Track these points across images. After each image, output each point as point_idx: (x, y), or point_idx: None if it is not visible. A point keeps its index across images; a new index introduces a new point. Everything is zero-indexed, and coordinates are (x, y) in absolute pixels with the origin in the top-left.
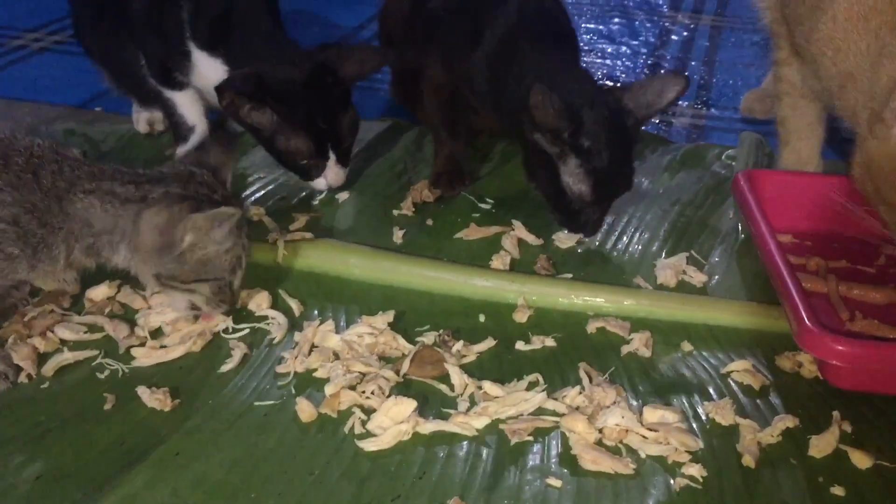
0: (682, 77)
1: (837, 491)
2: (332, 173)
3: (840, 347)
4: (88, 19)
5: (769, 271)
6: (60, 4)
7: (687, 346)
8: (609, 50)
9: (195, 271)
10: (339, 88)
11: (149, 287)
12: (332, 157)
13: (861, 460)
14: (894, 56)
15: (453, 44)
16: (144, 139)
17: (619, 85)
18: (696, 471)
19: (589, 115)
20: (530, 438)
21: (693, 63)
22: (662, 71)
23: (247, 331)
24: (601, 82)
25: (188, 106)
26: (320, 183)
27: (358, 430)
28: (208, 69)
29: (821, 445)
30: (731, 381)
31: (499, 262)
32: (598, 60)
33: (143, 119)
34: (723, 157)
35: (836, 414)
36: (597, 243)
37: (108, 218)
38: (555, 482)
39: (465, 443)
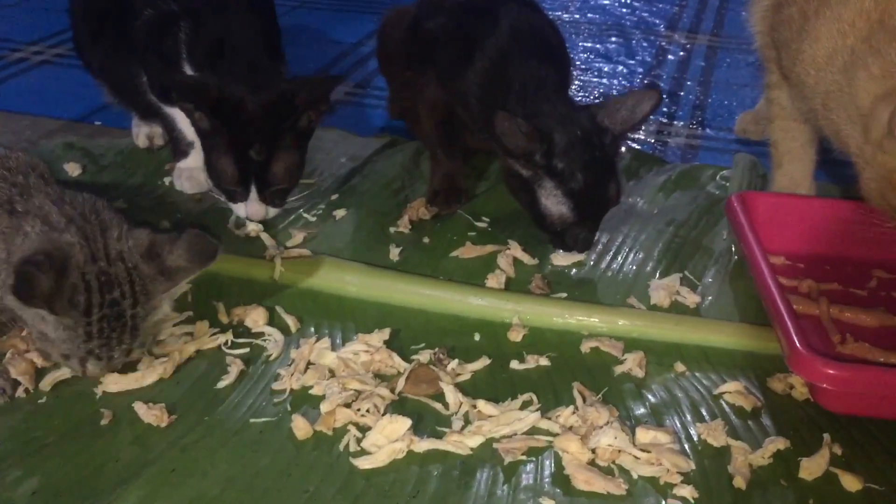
0: (656, 91)
1: None
2: (253, 208)
3: (830, 371)
4: (89, 35)
5: (761, 293)
6: (61, 17)
7: (680, 367)
8: (606, 69)
9: (34, 327)
10: (291, 123)
11: None
12: (254, 192)
13: (851, 483)
14: (868, 67)
15: (448, 63)
16: (144, 153)
17: (594, 103)
18: (687, 492)
19: (561, 137)
20: (524, 458)
21: (689, 83)
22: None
23: (245, 349)
24: (580, 101)
25: (188, 122)
26: (239, 209)
27: (353, 447)
28: None
29: (811, 468)
30: (723, 403)
31: (494, 280)
32: (595, 79)
33: (142, 133)
34: (717, 177)
35: (826, 437)
36: (591, 263)
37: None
38: (547, 502)
39: (460, 461)
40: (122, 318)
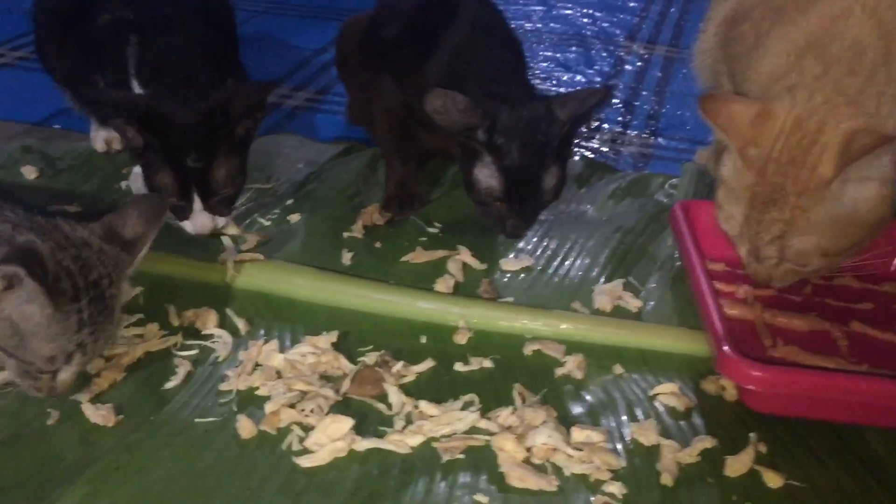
0: (605, 88)
1: None
2: (199, 220)
3: (755, 373)
4: (51, 40)
5: (696, 298)
6: (23, 20)
7: (618, 369)
8: (565, 78)
9: (4, 339)
10: (227, 131)
11: None
12: (198, 202)
13: (773, 480)
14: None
15: (405, 65)
16: (102, 157)
17: (552, 96)
18: (615, 489)
19: (506, 116)
20: (462, 456)
21: (644, 93)
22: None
23: (194, 350)
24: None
25: None
26: (187, 226)
27: (296, 446)
28: None
29: (736, 465)
30: (657, 403)
31: (443, 285)
32: (554, 88)
33: (100, 138)
34: (666, 185)
35: (752, 436)
36: (539, 268)
37: None
38: (482, 498)
39: (400, 460)
40: (105, 301)
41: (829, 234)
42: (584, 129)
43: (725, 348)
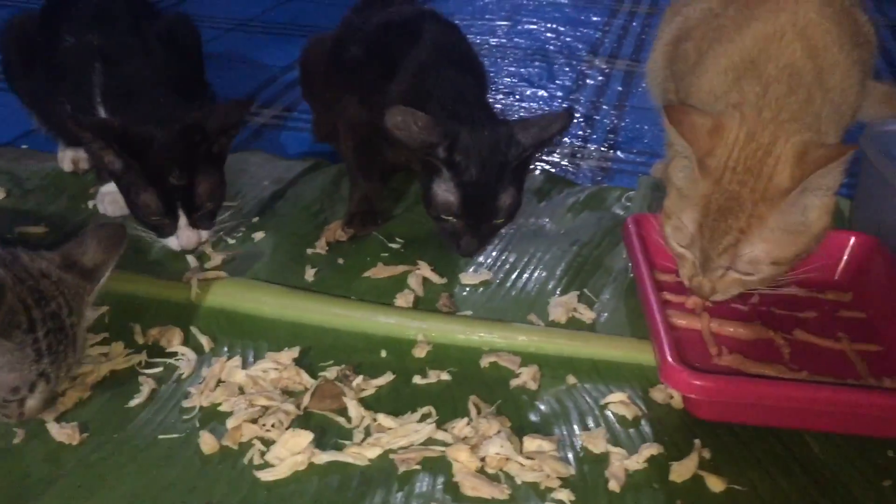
0: (568, 112)
1: None
2: (184, 236)
3: (695, 382)
4: (19, 63)
5: (644, 309)
6: None
7: (571, 380)
8: (528, 93)
9: None
10: (205, 148)
11: None
12: (183, 218)
13: (715, 484)
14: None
15: (369, 84)
16: (69, 177)
17: (515, 119)
18: (564, 495)
19: (466, 136)
20: (418, 467)
21: (605, 107)
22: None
23: (159, 368)
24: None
25: None
26: (172, 243)
27: (257, 461)
28: None
29: (681, 471)
30: (608, 412)
31: (403, 300)
32: (517, 103)
33: (68, 158)
34: (623, 199)
35: (697, 442)
36: (497, 282)
37: None
38: None
39: (358, 472)
40: (64, 330)
41: (780, 242)
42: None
43: (669, 358)
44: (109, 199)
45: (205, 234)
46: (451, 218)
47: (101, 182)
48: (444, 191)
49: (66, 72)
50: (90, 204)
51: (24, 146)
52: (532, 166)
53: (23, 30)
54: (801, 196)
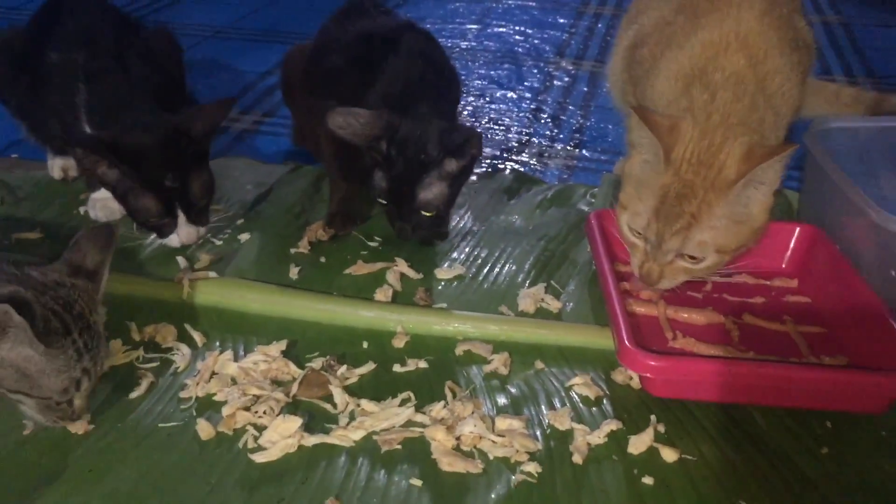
0: (475, 132)
1: (648, 480)
2: (184, 232)
3: (650, 362)
4: (8, 75)
5: (604, 297)
6: None
7: (539, 365)
8: (497, 94)
9: (16, 381)
10: (192, 150)
11: None
12: (182, 216)
13: (669, 455)
14: (690, 109)
15: (349, 89)
16: (59, 185)
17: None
18: (532, 468)
19: (402, 131)
20: (399, 447)
21: (571, 107)
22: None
23: (156, 363)
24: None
25: None
26: (173, 240)
27: (251, 445)
28: None
29: (638, 444)
30: (573, 393)
31: (382, 294)
32: (487, 105)
33: (57, 166)
34: (588, 195)
35: (653, 418)
36: (470, 276)
37: None
38: (416, 482)
39: (344, 452)
40: (91, 328)
41: (725, 230)
42: (516, 145)
43: (625, 341)
44: (101, 205)
45: (202, 229)
46: (386, 203)
47: (91, 189)
48: (379, 179)
49: (51, 87)
50: (82, 210)
51: (13, 155)
52: (502, 166)
53: (11, 44)
54: (744, 188)
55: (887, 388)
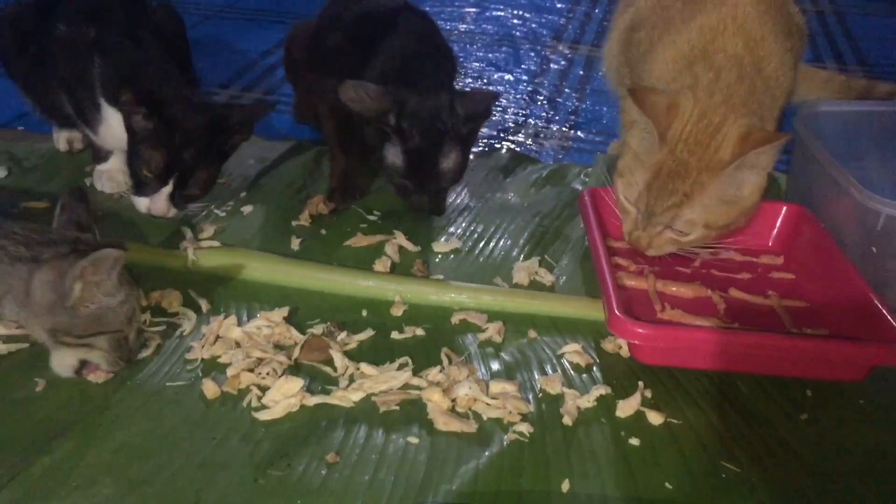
0: (493, 95)
1: (634, 441)
2: (158, 201)
3: (638, 330)
4: (14, 49)
5: (596, 271)
6: None
7: (532, 334)
8: (495, 76)
9: (91, 325)
10: (221, 140)
11: (45, 342)
12: (169, 187)
13: (655, 418)
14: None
15: (348, 69)
16: (65, 157)
17: (456, 91)
18: (524, 428)
19: (413, 104)
20: (396, 408)
21: (567, 90)
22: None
23: (162, 326)
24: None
25: (110, 133)
26: (142, 203)
27: (254, 404)
28: (118, 124)
29: (625, 408)
30: (564, 361)
31: (381, 265)
32: (486, 88)
33: (63, 138)
34: (582, 175)
35: (640, 383)
36: (466, 249)
37: None
38: (413, 440)
39: (344, 412)
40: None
41: (715, 209)
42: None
43: (614, 310)
44: (107, 177)
45: (173, 211)
46: (401, 179)
47: (96, 161)
48: (393, 155)
49: (62, 60)
50: (87, 181)
51: (20, 128)
52: (499, 146)
53: (17, 17)
54: (737, 171)
55: (865, 357)
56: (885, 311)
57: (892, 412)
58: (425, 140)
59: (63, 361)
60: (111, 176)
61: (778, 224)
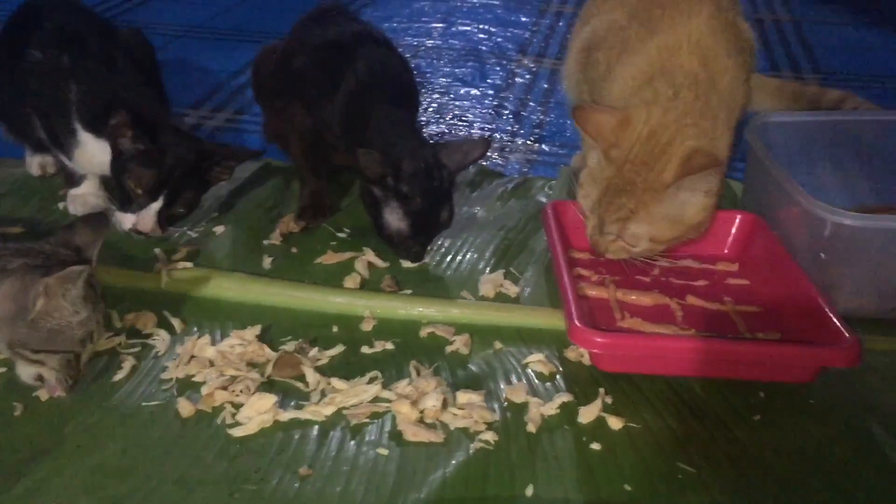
0: (486, 141)
1: (595, 446)
2: (145, 217)
3: (596, 339)
4: None
5: (557, 282)
6: None
7: (498, 345)
8: (461, 92)
9: (46, 341)
10: (206, 168)
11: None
12: (158, 205)
13: (615, 423)
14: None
15: (315, 95)
16: (38, 181)
17: (438, 142)
18: (489, 436)
19: (408, 166)
20: (367, 420)
21: (532, 104)
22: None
23: (137, 347)
24: (437, 122)
25: (84, 156)
26: (128, 219)
27: (229, 420)
28: (94, 149)
29: (587, 414)
30: (529, 370)
31: (351, 282)
32: (451, 102)
33: (35, 163)
34: (546, 188)
35: (601, 390)
36: (434, 264)
37: None
38: (383, 451)
39: (316, 426)
40: (94, 287)
41: (659, 226)
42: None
43: (574, 320)
44: (80, 201)
45: (158, 230)
46: (405, 239)
47: (69, 185)
48: (397, 220)
49: (37, 87)
50: (61, 205)
51: None
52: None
53: None
54: (679, 192)
55: (814, 358)
56: (832, 315)
57: (840, 411)
58: (426, 200)
59: (24, 371)
60: (85, 200)
61: (733, 232)
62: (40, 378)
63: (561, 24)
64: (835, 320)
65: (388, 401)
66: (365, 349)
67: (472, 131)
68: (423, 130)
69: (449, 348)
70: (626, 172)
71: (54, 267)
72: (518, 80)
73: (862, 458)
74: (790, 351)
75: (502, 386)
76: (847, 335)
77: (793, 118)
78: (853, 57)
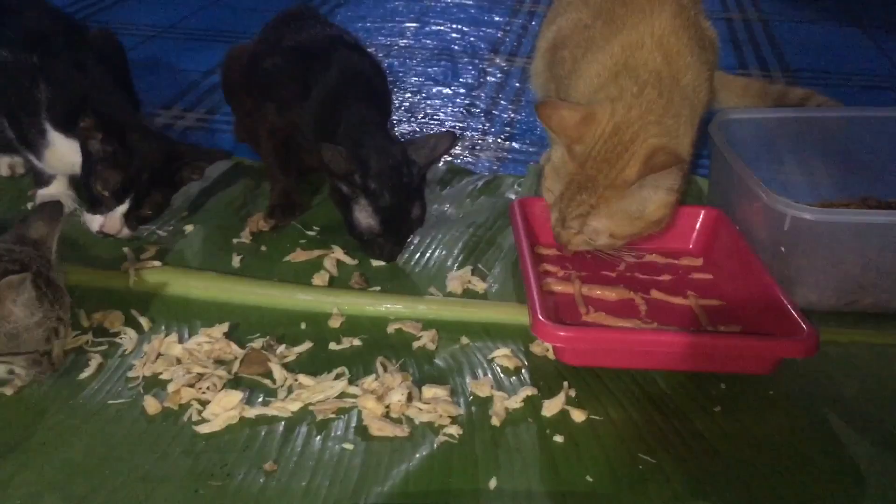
0: (452, 134)
1: (558, 438)
2: (112, 220)
3: (559, 333)
4: None
5: (522, 276)
6: None
7: (465, 340)
8: (434, 90)
9: (6, 344)
10: (175, 169)
11: None
12: (125, 207)
13: (578, 416)
14: (617, 99)
15: (285, 96)
16: (6, 181)
17: (407, 139)
18: (454, 430)
19: (375, 163)
20: (333, 416)
21: (503, 102)
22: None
23: (104, 346)
24: (408, 121)
25: (54, 157)
26: (95, 220)
27: (195, 418)
28: (64, 149)
29: (551, 407)
30: (494, 365)
31: (319, 279)
32: (424, 101)
33: (4, 163)
34: (515, 185)
35: (565, 384)
36: (403, 261)
37: None
38: (349, 446)
39: (283, 422)
40: (53, 283)
41: (619, 222)
42: None
43: (537, 314)
44: None
45: (125, 231)
46: (375, 237)
47: (38, 185)
48: (366, 217)
49: (4, 86)
50: (29, 206)
51: None
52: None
53: None
54: (641, 189)
55: (774, 351)
56: (791, 308)
57: (798, 403)
58: (395, 197)
59: None
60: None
61: (697, 227)
62: (13, 372)
63: (534, 23)
64: (793, 313)
65: (355, 396)
66: (333, 346)
67: (443, 129)
68: (395, 129)
69: (416, 344)
70: (588, 169)
71: (8, 268)
72: (490, 78)
73: (820, 447)
74: (749, 343)
75: (468, 380)
76: (805, 327)
77: (756, 115)
78: (820, 55)
